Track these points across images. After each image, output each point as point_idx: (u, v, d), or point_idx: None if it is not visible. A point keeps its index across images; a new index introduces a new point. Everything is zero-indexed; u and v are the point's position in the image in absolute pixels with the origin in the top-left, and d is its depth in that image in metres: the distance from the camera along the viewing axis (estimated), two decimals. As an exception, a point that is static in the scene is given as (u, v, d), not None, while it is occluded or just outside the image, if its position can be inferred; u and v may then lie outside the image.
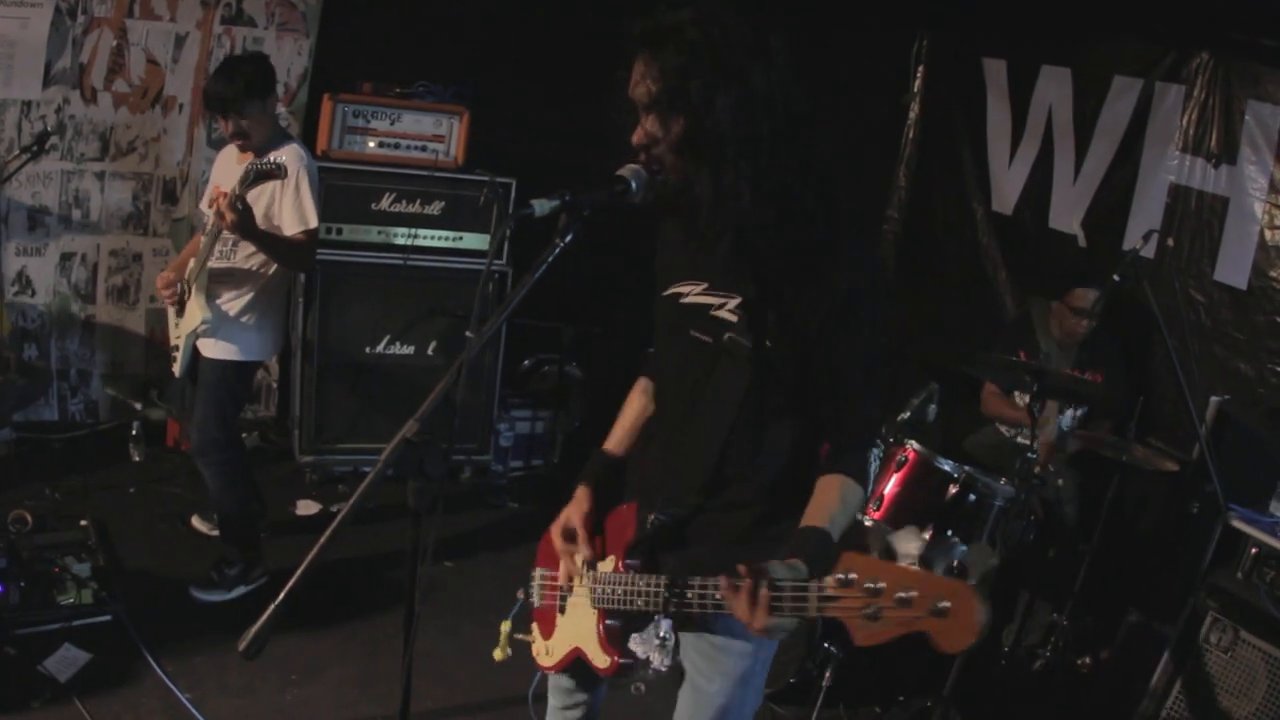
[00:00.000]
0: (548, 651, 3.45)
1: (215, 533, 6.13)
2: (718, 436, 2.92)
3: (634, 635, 3.07)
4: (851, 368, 2.82)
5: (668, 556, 3.02)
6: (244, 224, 5.08)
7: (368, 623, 5.71)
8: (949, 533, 5.44)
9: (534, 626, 3.56)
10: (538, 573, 3.49)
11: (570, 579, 3.25)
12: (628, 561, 3.06)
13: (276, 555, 5.97)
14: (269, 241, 5.38)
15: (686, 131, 2.67)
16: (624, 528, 3.13)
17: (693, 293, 2.98)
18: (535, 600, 3.50)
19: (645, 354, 3.42)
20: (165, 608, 5.62)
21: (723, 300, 2.90)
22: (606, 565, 3.14)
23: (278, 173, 5.05)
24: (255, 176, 5.04)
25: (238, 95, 5.36)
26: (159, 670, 5.03)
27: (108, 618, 5.36)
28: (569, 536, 3.19)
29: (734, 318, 2.87)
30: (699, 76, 2.60)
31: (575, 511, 3.20)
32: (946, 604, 2.06)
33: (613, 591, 3.06)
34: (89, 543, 5.92)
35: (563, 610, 3.35)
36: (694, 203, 2.73)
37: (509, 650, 3.52)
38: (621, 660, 3.09)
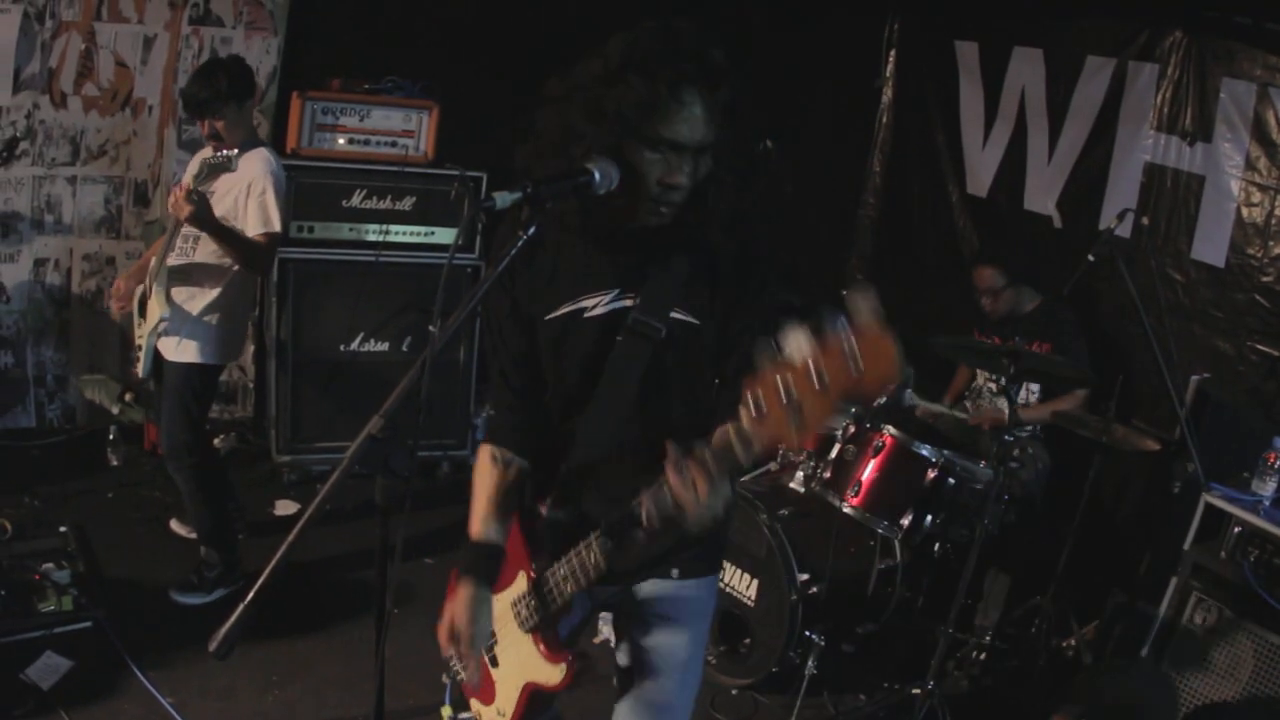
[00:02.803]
0: (500, 714, 3.31)
1: (194, 535, 6.09)
2: (615, 419, 2.92)
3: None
4: (756, 336, 2.78)
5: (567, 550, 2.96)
6: (200, 215, 5.14)
7: (348, 623, 5.69)
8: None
9: (474, 703, 3.45)
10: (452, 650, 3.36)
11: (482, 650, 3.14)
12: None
13: (256, 556, 5.95)
14: (226, 235, 5.38)
15: (718, 168, 2.74)
16: (520, 543, 3.10)
17: (600, 303, 2.89)
18: (467, 679, 3.32)
19: (491, 419, 3.33)
20: (146, 612, 5.59)
21: (636, 299, 2.87)
22: (519, 587, 3.10)
23: (227, 165, 5.15)
24: (209, 170, 5.19)
25: (214, 97, 5.43)
26: (141, 676, 5.01)
27: (89, 624, 5.34)
28: (456, 639, 3.02)
29: (636, 303, 2.86)
30: (740, 116, 2.69)
31: (460, 612, 3.01)
32: (859, 359, 2.02)
33: (540, 602, 3.02)
34: (68, 549, 5.89)
35: (495, 664, 3.27)
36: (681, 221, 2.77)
37: None
38: (573, 660, 3.03)
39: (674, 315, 2.85)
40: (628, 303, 2.87)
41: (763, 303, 2.94)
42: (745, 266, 2.90)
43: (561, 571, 2.92)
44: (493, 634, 3.19)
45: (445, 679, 3.52)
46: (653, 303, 2.84)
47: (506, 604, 3.14)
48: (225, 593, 5.76)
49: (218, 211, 5.44)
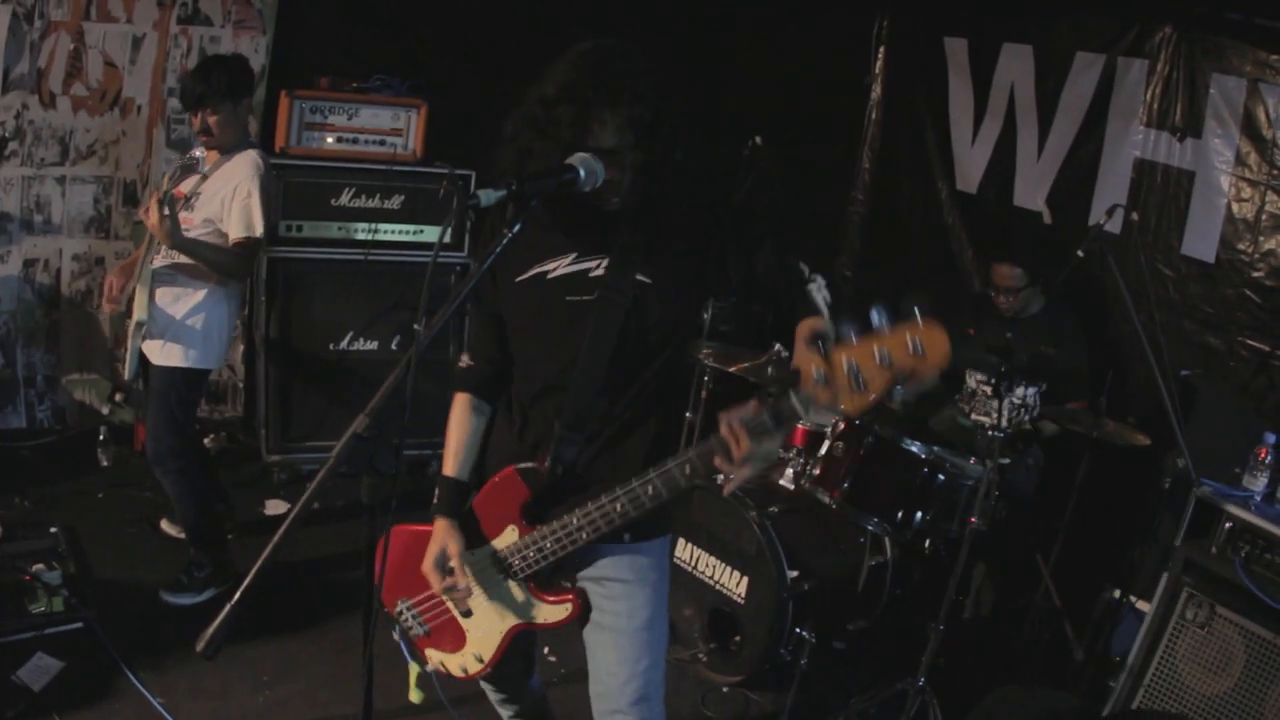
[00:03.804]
0: (478, 659, 3.56)
1: (184, 535, 6.07)
2: (598, 376, 3.19)
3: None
4: (765, 260, 3.27)
5: (564, 503, 3.23)
6: (165, 229, 5.15)
7: (339, 622, 5.68)
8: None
9: (430, 653, 3.66)
10: (401, 605, 3.62)
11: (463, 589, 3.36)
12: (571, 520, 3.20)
13: (246, 556, 5.92)
14: (195, 248, 5.38)
15: (643, 161, 3.08)
16: (510, 497, 3.28)
17: (560, 266, 3.23)
18: (418, 631, 3.63)
19: (457, 367, 3.59)
20: (137, 613, 5.59)
21: (596, 262, 3.21)
22: (508, 538, 3.31)
23: (195, 167, 5.34)
24: (181, 172, 5.33)
25: (213, 92, 5.43)
26: (132, 676, 5.00)
27: (79, 625, 5.32)
28: (446, 569, 3.33)
29: (604, 272, 3.19)
30: (663, 120, 3.06)
31: (451, 545, 3.32)
32: (920, 340, 2.45)
33: (538, 552, 3.26)
34: (59, 550, 5.88)
35: (468, 614, 3.50)
36: (625, 200, 3.15)
37: (422, 691, 3.70)
38: (575, 597, 3.37)
39: (637, 277, 3.19)
40: (586, 265, 3.21)
41: (756, 251, 3.28)
42: (712, 228, 3.26)
43: (576, 520, 3.16)
44: (465, 589, 3.38)
45: (396, 638, 3.64)
46: (615, 269, 3.19)
47: (485, 556, 3.37)
48: (216, 593, 5.75)
49: (203, 214, 5.46)
